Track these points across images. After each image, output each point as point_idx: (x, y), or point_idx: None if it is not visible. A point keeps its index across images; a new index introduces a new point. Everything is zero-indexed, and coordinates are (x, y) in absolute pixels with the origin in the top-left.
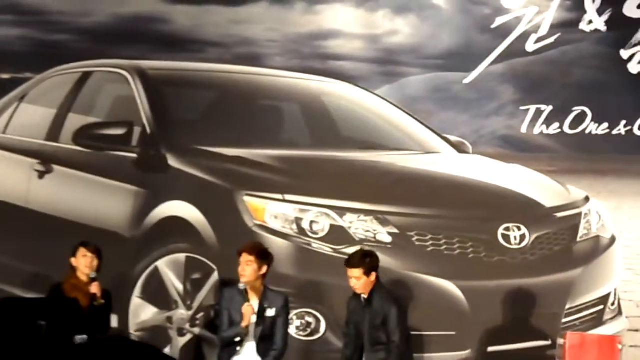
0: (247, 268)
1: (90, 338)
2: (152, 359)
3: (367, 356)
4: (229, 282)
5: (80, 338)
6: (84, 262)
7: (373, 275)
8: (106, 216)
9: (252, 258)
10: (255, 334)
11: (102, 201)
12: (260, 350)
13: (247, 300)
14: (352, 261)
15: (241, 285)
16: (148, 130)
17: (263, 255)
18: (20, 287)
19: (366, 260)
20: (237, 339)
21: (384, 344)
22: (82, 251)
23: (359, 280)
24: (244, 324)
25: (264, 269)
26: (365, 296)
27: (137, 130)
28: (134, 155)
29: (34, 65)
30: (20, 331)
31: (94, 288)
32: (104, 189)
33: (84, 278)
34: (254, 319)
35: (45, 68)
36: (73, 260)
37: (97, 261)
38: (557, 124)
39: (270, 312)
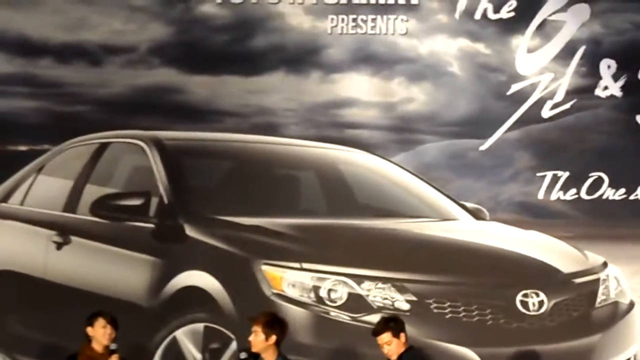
0: (255, 338)
1: None
2: None
3: None
4: (243, 350)
5: None
6: (102, 333)
7: (403, 337)
8: (124, 286)
9: (258, 328)
10: None
11: (120, 271)
12: None
13: None
14: (377, 329)
15: (242, 355)
16: (165, 200)
17: (270, 325)
18: (37, 358)
19: (390, 324)
20: None
21: None
22: (100, 322)
23: (390, 345)
24: None
25: (273, 339)
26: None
27: (154, 201)
28: (152, 226)
29: (51, 137)
30: None
31: None
32: (122, 259)
33: (99, 349)
34: None
35: (62, 139)
36: (89, 330)
37: (114, 332)
38: (574, 190)
39: None
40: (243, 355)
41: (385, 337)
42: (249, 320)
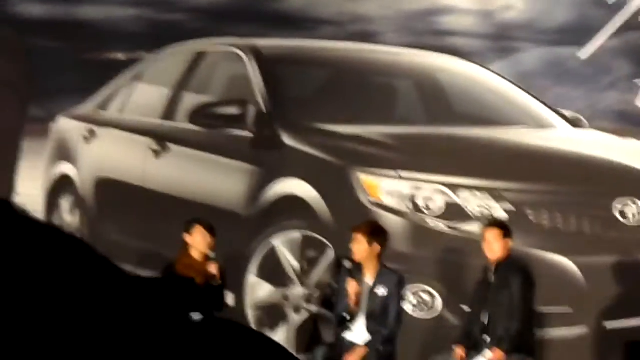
0: (358, 247)
1: (205, 317)
2: (264, 347)
3: (490, 325)
4: (345, 259)
5: (195, 315)
6: (201, 241)
7: (509, 242)
8: (221, 194)
9: (361, 237)
10: (366, 311)
11: (218, 180)
12: (370, 328)
13: (353, 278)
14: (491, 222)
15: (346, 263)
16: (263, 109)
17: (373, 234)
18: (135, 264)
19: (504, 224)
20: (348, 317)
21: (507, 313)
22: (199, 229)
23: (496, 241)
24: (350, 301)
25: (376, 247)
26: (493, 266)
27: (251, 109)
28: (249, 134)
29: (148, 45)
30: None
31: (213, 269)
32: (219, 167)
33: (198, 256)
34: (365, 296)
35: (160, 47)
36: (188, 238)
37: (213, 240)
38: None
39: (382, 291)
40: (347, 263)
41: (496, 232)
42: (352, 229)
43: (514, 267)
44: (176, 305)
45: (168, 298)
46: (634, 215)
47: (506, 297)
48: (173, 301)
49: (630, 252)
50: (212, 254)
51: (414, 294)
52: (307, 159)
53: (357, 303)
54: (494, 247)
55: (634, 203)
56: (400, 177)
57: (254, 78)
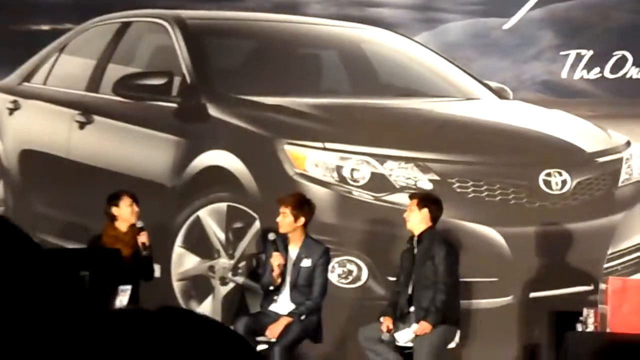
0: (283, 219)
1: (134, 287)
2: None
3: (415, 296)
4: (270, 230)
5: (124, 287)
6: (128, 212)
7: (425, 212)
8: (147, 166)
9: (287, 209)
10: (291, 282)
11: (143, 151)
12: (295, 299)
13: (278, 249)
14: (415, 194)
15: (271, 236)
16: (188, 80)
17: (299, 206)
18: (59, 236)
19: (421, 195)
20: (273, 287)
21: (431, 284)
22: (126, 200)
23: (410, 212)
24: (274, 273)
25: (301, 220)
26: (416, 237)
27: (177, 80)
28: (174, 105)
29: (73, 16)
30: (63, 282)
31: (144, 238)
32: (145, 139)
33: (124, 228)
34: (290, 268)
35: (84, 19)
36: (114, 209)
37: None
38: (597, 69)
39: (307, 262)
40: (272, 236)
41: (412, 204)
42: (278, 201)
43: (437, 238)
44: (104, 278)
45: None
46: (558, 185)
47: (430, 268)
48: (101, 274)
49: (555, 222)
50: (140, 223)
51: (340, 264)
52: (233, 130)
53: (282, 274)
54: (411, 219)
55: (559, 174)
56: (326, 148)
57: (179, 49)
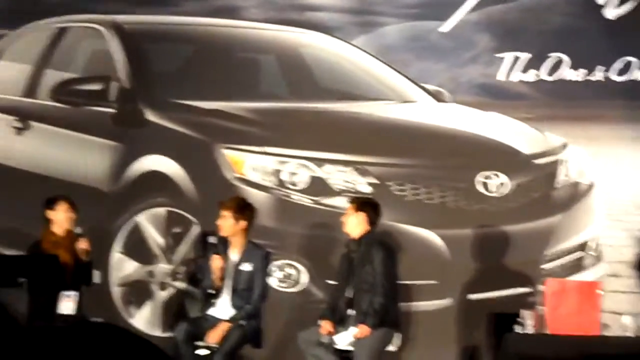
0: (224, 222)
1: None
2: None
3: (354, 300)
4: (210, 235)
5: (68, 293)
6: (64, 217)
7: (362, 216)
8: (85, 171)
9: (228, 213)
10: (231, 286)
11: (81, 156)
12: (235, 304)
13: (219, 253)
14: (353, 199)
15: (211, 239)
16: (125, 85)
17: (240, 209)
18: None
19: (359, 199)
20: (213, 292)
21: (370, 288)
22: (62, 205)
23: (349, 216)
24: (214, 277)
25: (242, 223)
26: (354, 241)
27: (114, 85)
28: (112, 110)
29: (9, 21)
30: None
31: (84, 244)
32: (82, 144)
33: (61, 232)
34: (230, 272)
35: (21, 24)
36: (50, 214)
37: (75, 215)
38: (534, 71)
39: (248, 266)
40: (212, 239)
41: (350, 209)
42: (219, 205)
43: (375, 241)
44: (44, 284)
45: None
46: (495, 188)
47: (369, 271)
48: (40, 280)
49: (493, 224)
50: (78, 230)
51: (280, 268)
52: (171, 135)
53: (222, 279)
54: (349, 222)
55: (497, 176)
56: (265, 153)
57: (116, 54)
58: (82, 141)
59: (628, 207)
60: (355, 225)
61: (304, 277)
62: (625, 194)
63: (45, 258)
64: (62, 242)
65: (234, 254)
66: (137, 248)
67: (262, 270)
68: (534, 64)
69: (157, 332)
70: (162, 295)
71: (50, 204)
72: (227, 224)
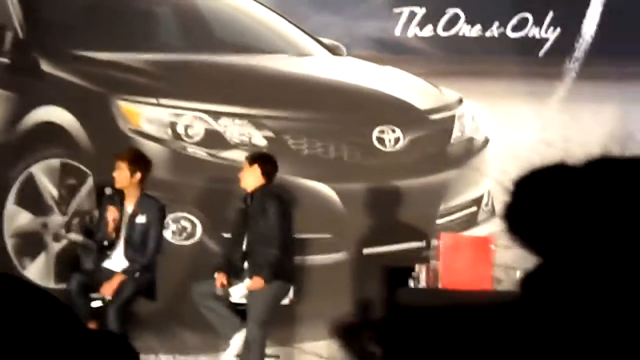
0: (119, 174)
1: None
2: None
3: (248, 253)
4: (105, 187)
5: None
6: None
7: (257, 169)
8: None
9: (123, 164)
10: (125, 239)
11: None
12: (129, 256)
13: (114, 205)
14: (250, 155)
15: (107, 190)
16: (20, 34)
17: (135, 161)
18: None
19: (253, 155)
20: (107, 244)
21: (265, 241)
22: None
23: (245, 171)
24: (108, 229)
25: (137, 175)
26: (249, 194)
27: (9, 35)
28: (6, 60)
29: None
30: None
31: None
32: None
33: None
34: (125, 224)
35: None
36: None
37: None
38: (430, 26)
39: (142, 219)
40: (108, 190)
41: (245, 163)
42: (114, 156)
43: (270, 194)
44: None
45: None
46: (391, 142)
47: (263, 225)
48: None
49: (388, 179)
50: None
51: (175, 221)
52: (66, 86)
53: (117, 230)
54: (244, 177)
55: (392, 131)
56: (160, 104)
57: (10, 3)
58: None
59: (521, 163)
60: (250, 179)
61: (199, 230)
62: (519, 149)
63: None
64: None
65: (129, 206)
66: (31, 200)
67: (157, 222)
68: (430, 19)
69: (51, 284)
70: (56, 247)
71: None
72: (122, 175)
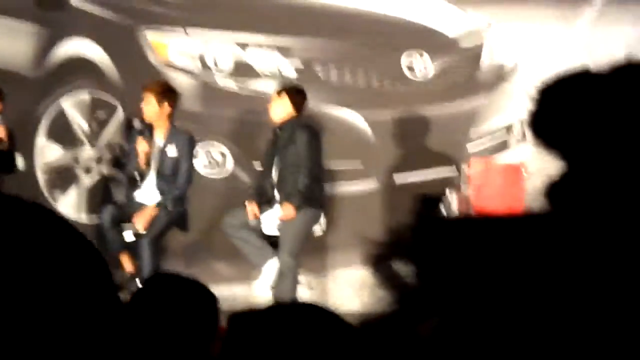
0: (148, 107)
1: None
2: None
3: (279, 181)
4: (134, 119)
5: None
6: None
7: (288, 103)
8: (6, 56)
9: (151, 97)
10: (156, 170)
11: (2, 41)
12: (161, 187)
13: (144, 138)
14: (280, 86)
15: (136, 123)
16: None
17: (163, 93)
18: None
19: (290, 88)
20: (138, 177)
21: (295, 169)
22: None
23: (274, 102)
24: (139, 161)
25: (166, 107)
26: (279, 126)
27: None
28: None
29: None
30: None
31: (1, 132)
32: (3, 28)
33: None
34: (155, 156)
35: None
36: None
37: (0, 103)
38: None
39: (172, 150)
40: (137, 123)
41: (274, 95)
42: (142, 88)
43: (300, 124)
44: None
45: None
46: (420, 70)
47: (292, 154)
48: None
49: (417, 106)
50: None
51: (206, 152)
52: (94, 19)
53: (148, 163)
54: (273, 109)
55: (420, 55)
56: (188, 35)
57: None
58: (3, 25)
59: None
60: (280, 110)
61: (230, 161)
62: (550, 75)
63: None
64: None
65: (159, 138)
66: (62, 133)
67: (188, 154)
68: None
69: (82, 217)
70: (87, 179)
71: None
72: (151, 108)
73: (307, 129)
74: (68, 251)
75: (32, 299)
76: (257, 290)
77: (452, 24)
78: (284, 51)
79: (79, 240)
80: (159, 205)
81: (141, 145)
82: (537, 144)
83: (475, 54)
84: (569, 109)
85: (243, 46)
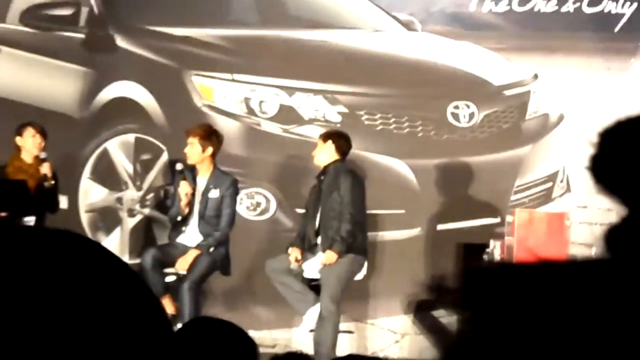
0: (191, 150)
1: (38, 219)
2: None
3: (322, 227)
4: (178, 162)
5: (27, 219)
6: (31, 143)
7: (331, 145)
8: (54, 97)
9: (195, 140)
10: (199, 213)
11: (51, 82)
12: (203, 230)
13: (187, 180)
14: (325, 132)
15: (178, 166)
16: (95, 10)
17: (207, 136)
18: None
19: (327, 132)
20: (180, 219)
21: (337, 215)
22: (29, 131)
23: (317, 149)
24: (182, 203)
25: (209, 150)
26: (323, 171)
27: (84, 10)
28: (82, 36)
29: None
30: None
31: (46, 169)
32: (52, 70)
33: (29, 159)
34: (198, 199)
35: None
36: (18, 140)
37: (44, 141)
38: (506, 1)
39: (215, 193)
40: (179, 166)
41: (319, 141)
42: (186, 132)
43: (343, 170)
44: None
45: None
46: (466, 118)
47: (336, 199)
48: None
49: (462, 155)
50: (43, 155)
51: (248, 196)
52: (141, 61)
53: (190, 206)
54: (318, 154)
55: (467, 106)
56: (234, 80)
57: None
58: (52, 67)
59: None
60: (324, 155)
61: (273, 205)
62: (595, 126)
63: (11, 183)
64: (27, 168)
65: (202, 181)
66: (106, 174)
67: (230, 197)
68: None
69: (125, 259)
70: (130, 222)
71: (19, 130)
72: (195, 150)
73: (351, 175)
74: (128, 291)
75: (92, 334)
76: (298, 336)
77: (499, 73)
78: (329, 97)
79: (134, 279)
80: (201, 247)
81: (183, 188)
82: (598, 189)
83: (521, 103)
84: (630, 153)
85: (289, 91)
